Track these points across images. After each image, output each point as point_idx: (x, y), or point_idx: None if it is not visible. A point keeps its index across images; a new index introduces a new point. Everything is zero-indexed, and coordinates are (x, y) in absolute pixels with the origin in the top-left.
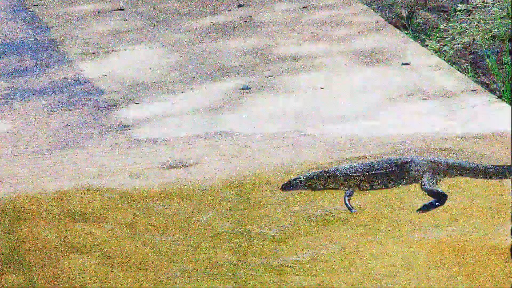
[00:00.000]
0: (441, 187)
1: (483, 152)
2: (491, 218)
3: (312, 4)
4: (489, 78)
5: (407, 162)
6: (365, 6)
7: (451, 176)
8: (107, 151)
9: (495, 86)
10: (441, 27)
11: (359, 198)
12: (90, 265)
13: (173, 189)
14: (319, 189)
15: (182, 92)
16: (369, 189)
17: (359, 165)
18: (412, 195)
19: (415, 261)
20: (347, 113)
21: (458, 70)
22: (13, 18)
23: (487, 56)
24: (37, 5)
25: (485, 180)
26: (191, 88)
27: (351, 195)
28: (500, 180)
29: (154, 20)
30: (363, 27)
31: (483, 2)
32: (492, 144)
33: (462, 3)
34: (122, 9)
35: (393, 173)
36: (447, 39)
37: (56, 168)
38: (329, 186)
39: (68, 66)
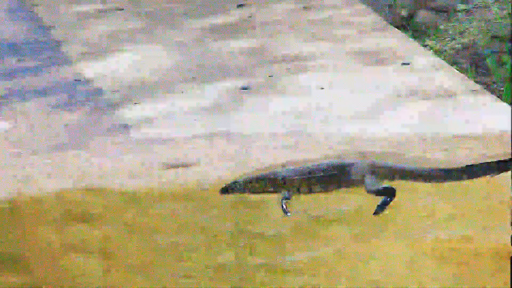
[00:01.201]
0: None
1: (483, 152)
2: (491, 218)
3: (312, 4)
4: (489, 78)
5: (347, 166)
6: (365, 6)
7: (391, 179)
8: (107, 151)
9: (495, 86)
10: (441, 27)
11: (361, 198)
12: (90, 265)
13: (173, 189)
14: (258, 192)
15: (182, 92)
16: (309, 193)
17: (299, 168)
18: (412, 195)
19: (415, 261)
20: (347, 113)
21: (458, 70)
22: (13, 18)
23: (487, 56)
24: (37, 5)
25: (426, 183)
26: (191, 88)
27: (289, 198)
28: (441, 183)
29: (154, 20)
30: (363, 27)
31: (483, 2)
32: (492, 144)
33: (462, 3)
34: (122, 9)
35: (332, 176)
36: (447, 39)
37: (56, 168)
38: (269, 189)
39: (68, 66)
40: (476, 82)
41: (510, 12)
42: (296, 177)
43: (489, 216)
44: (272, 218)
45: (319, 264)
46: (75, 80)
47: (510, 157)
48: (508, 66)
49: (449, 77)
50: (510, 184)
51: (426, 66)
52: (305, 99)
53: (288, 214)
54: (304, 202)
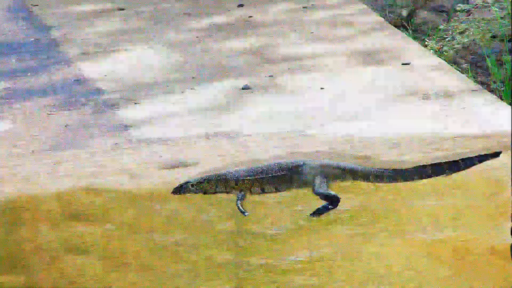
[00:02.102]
0: (334, 190)
1: (483, 152)
2: (491, 218)
3: (312, 4)
4: (489, 78)
5: (298, 166)
6: (365, 6)
7: (342, 180)
8: (107, 151)
9: (495, 86)
10: (441, 27)
11: (361, 198)
12: (90, 265)
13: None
14: (210, 193)
15: (182, 92)
16: (261, 193)
17: (250, 169)
18: (412, 195)
19: (415, 261)
20: (347, 113)
21: (458, 70)
22: (13, 18)
23: (487, 56)
24: (37, 5)
25: (376, 183)
26: (191, 88)
27: (243, 199)
28: (392, 183)
29: (154, 20)
30: (363, 27)
31: (483, 2)
32: (492, 144)
33: (462, 3)
34: (122, 9)
35: (284, 176)
36: (447, 39)
37: (56, 168)
38: (221, 190)
39: (68, 66)
40: (476, 82)
41: (510, 12)
42: (248, 178)
43: (489, 216)
44: (272, 218)
45: (319, 264)
46: (75, 80)
47: (461, 157)
48: (508, 66)
49: (449, 77)
50: (510, 184)
51: (426, 66)
52: (305, 99)
53: (246, 214)
54: (305, 202)
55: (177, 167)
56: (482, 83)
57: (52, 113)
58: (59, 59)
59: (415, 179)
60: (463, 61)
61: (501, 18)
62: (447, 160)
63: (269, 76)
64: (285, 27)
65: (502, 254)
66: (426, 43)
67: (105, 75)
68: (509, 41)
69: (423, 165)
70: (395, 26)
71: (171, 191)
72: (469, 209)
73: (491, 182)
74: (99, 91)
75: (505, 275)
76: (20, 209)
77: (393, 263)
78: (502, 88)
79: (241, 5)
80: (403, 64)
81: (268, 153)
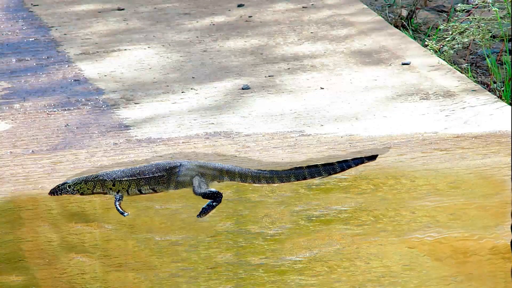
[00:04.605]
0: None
1: (483, 152)
2: (491, 218)
3: (312, 4)
4: (489, 78)
5: (175, 167)
6: (365, 6)
7: (220, 181)
8: (107, 151)
9: (495, 86)
10: (441, 27)
11: (361, 198)
12: (90, 265)
13: None
14: (88, 194)
15: (182, 92)
16: (138, 194)
17: (128, 170)
18: (412, 195)
19: (415, 261)
20: (347, 113)
21: (458, 70)
22: (13, 18)
23: (487, 56)
24: (37, 5)
25: (254, 184)
26: (191, 88)
27: (121, 199)
28: (269, 184)
29: (154, 20)
30: (363, 27)
31: (483, 2)
32: (492, 144)
33: (462, 3)
34: (122, 9)
35: (161, 177)
36: (447, 39)
37: (56, 168)
38: (98, 191)
39: (68, 66)
40: (476, 82)
41: (510, 12)
42: (125, 178)
43: (489, 216)
44: (272, 218)
45: (319, 264)
46: (75, 80)
47: (348, 158)
48: (508, 66)
49: (449, 77)
50: (510, 184)
51: (426, 66)
52: (305, 99)
53: (125, 214)
54: (305, 202)
55: None
56: (482, 83)
57: (52, 113)
58: (59, 59)
59: (292, 181)
60: (463, 61)
61: (501, 18)
62: (323, 163)
63: (269, 76)
64: (285, 27)
65: (502, 254)
66: (426, 43)
67: (105, 75)
68: (509, 41)
69: (299, 167)
70: (395, 26)
71: (48, 192)
72: (469, 209)
73: (491, 182)
74: (99, 91)
75: (505, 275)
76: (20, 209)
77: (393, 263)
78: (502, 88)
79: (241, 5)
80: (403, 64)
81: (268, 153)
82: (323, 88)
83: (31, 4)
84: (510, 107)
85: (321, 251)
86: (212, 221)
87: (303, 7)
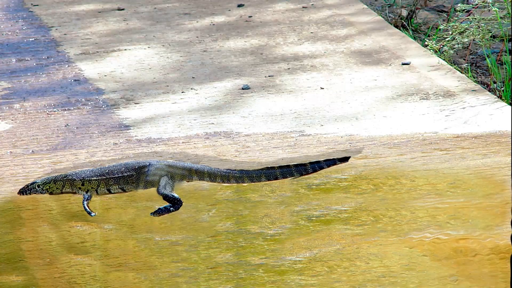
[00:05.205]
0: (178, 193)
1: (483, 152)
2: (491, 218)
3: (312, 4)
4: (489, 78)
5: (144, 166)
6: (365, 6)
7: (189, 180)
8: (107, 151)
9: (495, 86)
10: (441, 27)
11: (361, 198)
12: (90, 265)
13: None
14: (57, 193)
15: (182, 92)
16: (107, 193)
17: (97, 169)
18: (412, 195)
19: (415, 261)
20: (347, 113)
21: (458, 70)
22: (13, 18)
23: (487, 56)
24: (37, 5)
25: (223, 184)
26: (191, 88)
27: (89, 199)
28: (238, 184)
29: (154, 20)
30: (363, 27)
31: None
32: (492, 144)
33: (462, 3)
34: (122, 9)
35: (130, 177)
36: (447, 39)
37: (56, 168)
38: (67, 190)
39: (68, 66)
40: (476, 82)
41: (510, 12)
42: (94, 178)
43: (489, 216)
44: (272, 218)
45: (319, 264)
46: (75, 80)
47: (309, 161)
48: (508, 66)
49: (449, 77)
50: (510, 184)
51: (426, 66)
52: (305, 99)
53: (93, 214)
54: (305, 202)
55: None
56: (482, 83)
57: (52, 113)
58: (59, 59)
59: (262, 181)
60: (463, 61)
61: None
62: (295, 163)
63: (269, 76)
64: (285, 27)
65: (502, 254)
66: (426, 43)
67: (105, 75)
68: (509, 41)
69: (271, 167)
70: (395, 26)
71: (17, 191)
72: (469, 209)
73: (491, 182)
74: (99, 91)
75: (505, 275)
76: (20, 209)
77: (393, 263)
78: (502, 88)
79: (241, 5)
80: (403, 64)
81: (268, 153)
82: (323, 88)
83: (31, 4)
84: (510, 107)
85: (321, 251)
86: (212, 221)
87: (303, 7)
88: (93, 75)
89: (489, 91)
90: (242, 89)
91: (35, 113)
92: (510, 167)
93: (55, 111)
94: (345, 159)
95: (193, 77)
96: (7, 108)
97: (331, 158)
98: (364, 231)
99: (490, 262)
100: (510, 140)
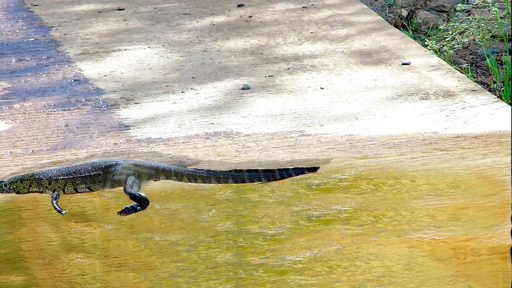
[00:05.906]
0: (142, 192)
1: (483, 152)
2: (491, 218)
3: (312, 4)
4: (489, 78)
5: (111, 166)
6: (365, 6)
7: (156, 179)
8: (107, 151)
9: (495, 86)
10: (441, 27)
11: (361, 198)
12: (90, 265)
13: (173, 189)
14: (24, 193)
15: (182, 92)
16: (74, 192)
17: (63, 168)
18: (412, 195)
19: (415, 261)
20: (347, 113)
21: (458, 70)
22: (13, 18)
23: (487, 56)
24: (37, 5)
25: (190, 183)
26: (191, 88)
27: (58, 198)
28: (206, 183)
29: (154, 20)
30: (363, 27)
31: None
32: (492, 144)
33: (462, 3)
34: (122, 9)
35: (97, 176)
36: (447, 39)
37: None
38: (34, 190)
39: (68, 66)
40: (476, 82)
41: (510, 12)
42: (61, 177)
43: (489, 216)
44: (272, 218)
45: (319, 264)
46: (75, 80)
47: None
48: (508, 66)
49: (449, 77)
50: (510, 184)
51: (426, 66)
52: (305, 99)
53: (63, 212)
54: (305, 202)
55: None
56: (482, 83)
57: (52, 113)
58: (59, 59)
59: (229, 182)
60: (463, 61)
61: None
62: (264, 169)
63: (269, 76)
64: (285, 27)
65: (502, 254)
66: (426, 43)
67: (105, 75)
68: (509, 41)
69: (239, 170)
70: (395, 26)
71: None
72: (469, 209)
73: (491, 182)
74: (99, 91)
75: (505, 275)
76: (20, 209)
77: (393, 263)
78: (502, 88)
79: (241, 5)
80: (403, 64)
81: (268, 153)
82: (323, 88)
83: (31, 4)
84: (510, 107)
85: (321, 251)
86: (212, 221)
87: (303, 7)
88: (93, 75)
89: (489, 91)
90: (242, 89)
91: (35, 113)
92: (510, 167)
93: (55, 111)
94: (313, 169)
95: (193, 77)
96: (7, 108)
97: (300, 167)
98: (364, 231)
99: (490, 262)
100: (510, 140)
